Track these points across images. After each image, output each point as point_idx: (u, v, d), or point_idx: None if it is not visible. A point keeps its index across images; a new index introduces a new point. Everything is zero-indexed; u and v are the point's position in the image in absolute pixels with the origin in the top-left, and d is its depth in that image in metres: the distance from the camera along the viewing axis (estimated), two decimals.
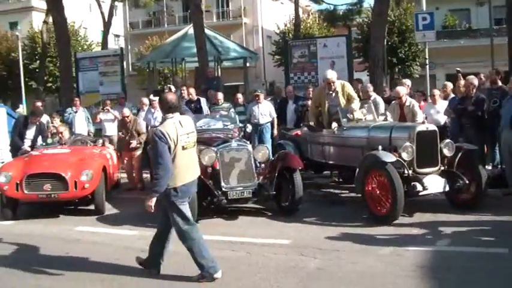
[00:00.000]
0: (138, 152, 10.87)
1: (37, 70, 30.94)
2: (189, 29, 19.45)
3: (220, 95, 12.31)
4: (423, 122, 7.83)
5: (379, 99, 10.71)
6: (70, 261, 6.09)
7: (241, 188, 7.70)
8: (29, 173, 8.19)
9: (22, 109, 23.31)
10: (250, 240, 6.67)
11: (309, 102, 10.75)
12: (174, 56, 20.81)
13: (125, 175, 11.32)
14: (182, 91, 13.23)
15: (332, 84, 9.14)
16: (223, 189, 7.64)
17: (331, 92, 9.19)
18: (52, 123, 11.86)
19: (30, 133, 10.26)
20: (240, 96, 13.38)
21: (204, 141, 8.38)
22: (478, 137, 8.96)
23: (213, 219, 7.81)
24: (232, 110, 11.67)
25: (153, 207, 5.08)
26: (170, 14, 42.25)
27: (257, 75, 36.42)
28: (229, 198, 7.61)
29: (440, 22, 29.46)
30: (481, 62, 21.30)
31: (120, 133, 11.20)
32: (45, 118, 12.05)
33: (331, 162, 9.22)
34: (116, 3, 32.23)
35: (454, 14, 32.15)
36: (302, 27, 30.65)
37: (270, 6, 39.72)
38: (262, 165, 8.19)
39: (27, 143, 10.12)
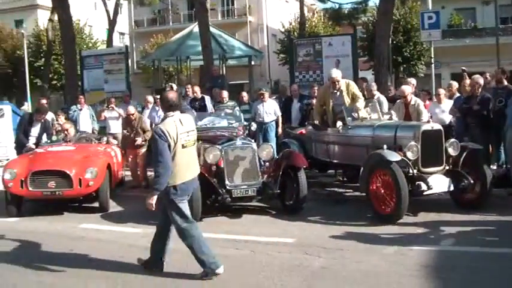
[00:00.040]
0: (143, 150, 10.87)
1: (42, 68, 31.06)
2: (194, 27, 19.44)
3: (225, 93, 12.32)
4: (428, 121, 7.79)
5: (383, 98, 10.72)
6: (74, 258, 6.10)
7: (245, 186, 7.71)
8: (33, 170, 8.20)
9: (27, 106, 23.45)
10: (254, 238, 6.67)
11: (314, 101, 10.76)
12: (179, 54, 20.78)
13: (129, 173, 11.32)
14: (187, 89, 13.27)
15: (337, 83, 9.14)
16: (228, 187, 7.64)
17: (335, 91, 9.19)
18: (57, 120, 11.86)
19: (35, 130, 10.25)
20: (244, 95, 13.39)
21: (209, 139, 8.40)
22: (483, 137, 8.92)
23: (217, 217, 7.82)
24: (237, 108, 11.63)
25: (154, 205, 5.11)
26: (175, 12, 42.31)
27: (262, 73, 36.36)
28: (233, 196, 7.61)
29: (445, 21, 29.38)
30: (487, 61, 21.26)
31: (124, 131, 11.21)
32: (50, 116, 12.05)
33: (335, 161, 9.21)
34: (121, 1, 32.22)
35: (459, 13, 32.06)
36: (307, 25, 30.63)
37: (275, 5, 39.72)
38: (267, 163, 8.17)
39: (32, 141, 10.11)
